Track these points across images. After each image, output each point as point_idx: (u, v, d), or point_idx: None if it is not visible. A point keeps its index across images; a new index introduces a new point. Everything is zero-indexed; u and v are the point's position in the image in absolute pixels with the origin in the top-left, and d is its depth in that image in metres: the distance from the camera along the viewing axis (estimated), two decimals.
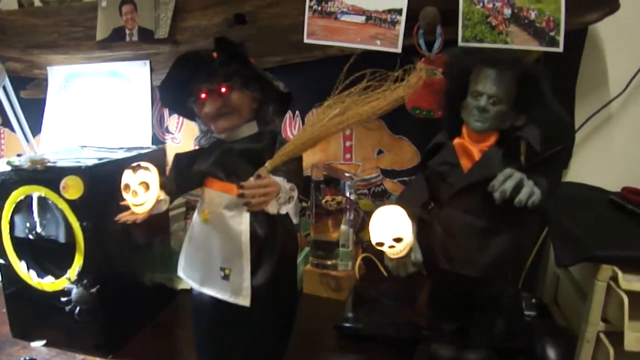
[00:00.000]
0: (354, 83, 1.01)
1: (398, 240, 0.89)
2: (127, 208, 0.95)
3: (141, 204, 0.93)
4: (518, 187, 0.84)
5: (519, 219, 0.96)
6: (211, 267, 1.00)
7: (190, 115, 1.07)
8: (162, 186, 0.97)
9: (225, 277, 0.98)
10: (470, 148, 0.98)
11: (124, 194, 0.93)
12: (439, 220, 0.99)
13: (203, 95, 0.96)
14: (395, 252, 0.91)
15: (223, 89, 0.95)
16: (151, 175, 0.93)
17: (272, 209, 0.93)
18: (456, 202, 0.98)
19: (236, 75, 0.96)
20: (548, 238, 1.40)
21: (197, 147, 1.09)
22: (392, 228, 0.90)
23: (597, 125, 1.44)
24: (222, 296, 0.98)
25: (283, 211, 0.96)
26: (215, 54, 0.95)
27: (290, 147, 0.97)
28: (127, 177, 0.93)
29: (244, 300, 0.96)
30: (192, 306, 1.07)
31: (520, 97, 0.97)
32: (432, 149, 1.05)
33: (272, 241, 0.99)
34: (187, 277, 1.05)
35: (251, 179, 0.90)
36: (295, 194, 0.96)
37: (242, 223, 0.97)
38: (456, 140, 1.01)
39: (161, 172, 0.96)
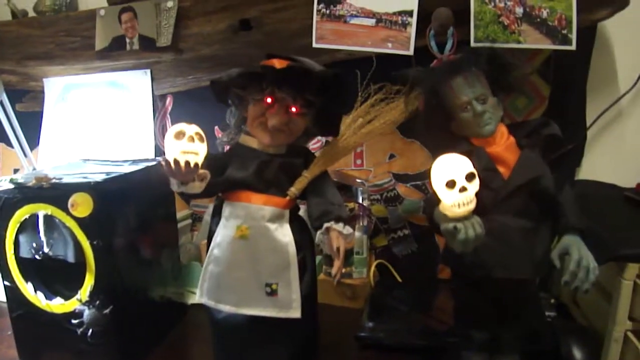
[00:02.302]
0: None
1: (471, 177, 0.83)
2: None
3: (196, 153, 0.86)
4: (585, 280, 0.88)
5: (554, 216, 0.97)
6: (252, 285, 0.96)
7: (223, 99, 1.03)
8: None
9: (272, 293, 0.95)
10: (500, 153, 0.98)
11: (174, 142, 0.85)
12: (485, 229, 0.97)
13: (269, 100, 0.93)
14: (466, 198, 0.84)
15: (294, 109, 0.93)
16: (202, 132, 0.89)
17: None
18: (503, 207, 0.96)
19: (312, 107, 0.96)
20: None
21: (224, 154, 1.05)
22: (463, 164, 0.85)
23: (608, 121, 1.43)
24: (268, 313, 0.95)
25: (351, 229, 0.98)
26: (330, 77, 0.93)
27: (322, 160, 1.00)
28: (181, 125, 0.87)
29: (295, 313, 0.95)
30: (219, 330, 1.04)
31: (493, 81, 1.00)
32: None
33: (309, 248, 1.00)
34: (216, 301, 0.99)
35: (335, 263, 0.94)
36: (344, 212, 0.98)
37: (286, 235, 0.96)
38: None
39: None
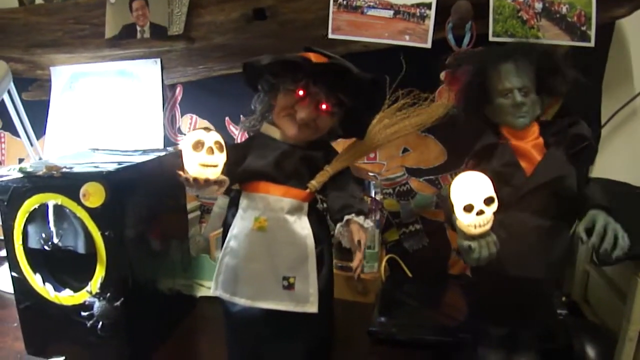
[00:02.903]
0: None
1: (490, 201, 0.83)
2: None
3: (214, 165, 0.84)
4: (615, 241, 0.85)
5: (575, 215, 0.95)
6: (270, 278, 0.95)
7: (254, 85, 1.01)
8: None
9: (289, 286, 0.94)
10: (526, 149, 0.97)
11: (193, 153, 0.83)
12: (502, 224, 0.95)
13: (301, 93, 0.91)
14: (482, 220, 0.84)
15: (324, 106, 0.92)
16: (222, 140, 0.86)
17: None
18: (522, 204, 0.96)
19: (343, 107, 0.95)
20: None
21: (244, 144, 1.03)
22: (483, 187, 0.84)
23: (623, 119, 1.41)
24: (284, 307, 0.94)
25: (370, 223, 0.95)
26: (354, 79, 0.91)
27: (345, 155, 0.99)
28: (200, 134, 0.84)
29: (312, 307, 0.93)
30: (233, 323, 1.02)
31: (541, 80, 0.98)
32: (481, 150, 1.02)
33: (328, 241, 0.99)
34: (231, 294, 0.97)
35: (357, 256, 0.92)
36: (365, 207, 0.96)
37: (304, 228, 0.95)
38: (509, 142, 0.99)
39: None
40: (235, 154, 0.95)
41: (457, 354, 1.12)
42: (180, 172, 0.83)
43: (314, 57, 0.90)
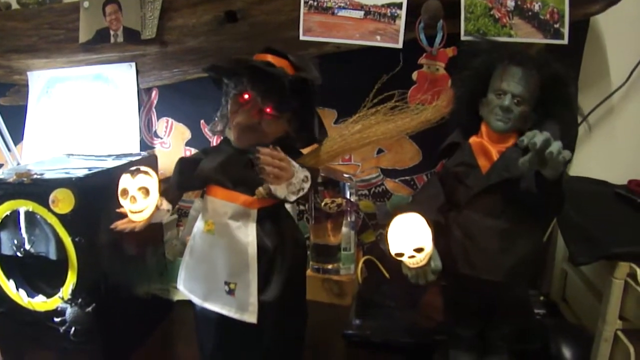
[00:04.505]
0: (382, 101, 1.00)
1: (419, 250, 0.84)
2: (123, 216, 0.91)
3: (140, 211, 0.89)
4: (547, 142, 0.76)
5: (540, 219, 0.94)
6: (215, 281, 0.94)
7: (219, 86, 0.98)
8: (164, 193, 0.93)
9: (230, 292, 0.93)
10: (489, 148, 0.95)
11: (121, 200, 0.88)
12: (458, 224, 0.95)
13: (246, 97, 0.88)
14: (415, 262, 0.86)
15: (268, 110, 0.88)
16: (151, 180, 0.89)
17: (280, 192, 0.87)
18: (475, 204, 0.94)
19: (290, 109, 0.90)
20: (553, 233, 1.39)
21: (202, 150, 1.02)
22: (412, 238, 0.85)
23: (600, 117, 1.42)
24: (226, 312, 0.93)
25: (291, 199, 0.90)
26: (288, 81, 0.87)
27: (306, 159, 0.95)
28: (125, 181, 0.88)
29: (250, 317, 0.91)
30: (196, 322, 1.02)
31: (544, 99, 0.94)
32: (447, 148, 1.01)
33: (282, 253, 0.94)
34: (189, 291, 0.99)
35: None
36: (306, 186, 0.90)
37: (249, 235, 0.91)
38: (473, 139, 0.98)
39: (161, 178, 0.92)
40: (187, 165, 0.96)
41: (432, 356, 1.11)
42: (112, 226, 0.92)
43: (271, 58, 0.89)
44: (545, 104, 0.95)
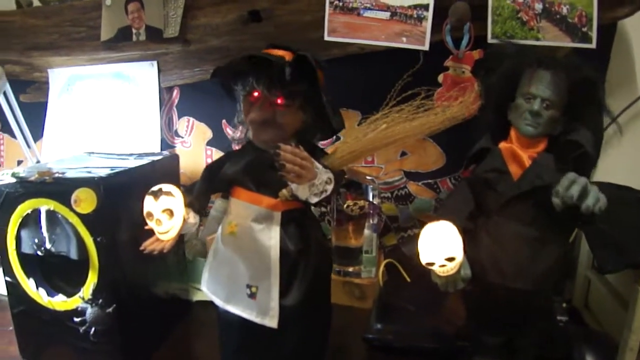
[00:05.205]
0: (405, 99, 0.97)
1: (450, 259, 0.83)
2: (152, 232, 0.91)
3: (166, 232, 0.89)
4: (584, 193, 0.78)
5: (569, 227, 0.92)
6: (237, 283, 0.93)
7: (232, 97, 0.97)
8: (190, 205, 0.92)
9: (252, 296, 0.92)
10: (519, 153, 0.93)
11: (148, 222, 0.89)
12: (487, 231, 0.94)
13: (255, 94, 0.87)
14: (445, 270, 0.85)
15: (279, 101, 0.86)
16: (174, 200, 0.88)
17: (302, 192, 0.85)
18: (506, 211, 0.93)
19: (299, 94, 0.88)
20: (577, 239, 1.37)
21: (226, 153, 1.01)
22: (443, 247, 0.84)
23: (626, 122, 1.38)
24: (247, 315, 0.92)
25: (313, 201, 0.87)
26: (288, 65, 0.85)
27: (330, 160, 0.92)
28: (149, 204, 0.88)
29: (271, 322, 0.90)
30: (218, 324, 1.01)
31: (573, 103, 0.93)
32: (476, 153, 1.00)
33: (305, 257, 0.92)
34: (212, 293, 0.98)
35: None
36: (330, 188, 0.87)
37: (271, 238, 0.90)
38: (503, 145, 0.97)
39: (183, 189, 0.92)
40: (213, 171, 0.97)
41: None
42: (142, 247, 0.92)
43: (271, 51, 0.88)
44: (575, 107, 0.94)
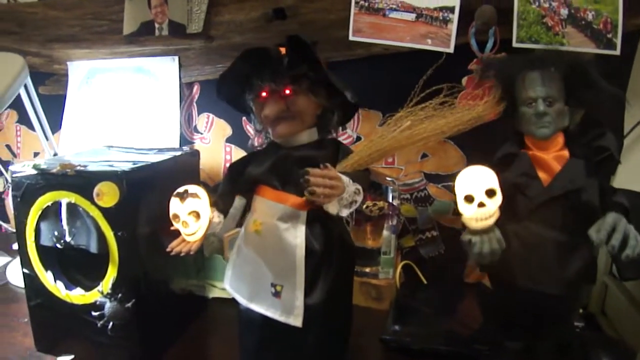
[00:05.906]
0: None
1: (491, 193, 0.83)
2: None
3: (193, 234, 0.89)
4: (624, 242, 0.80)
5: None
6: (261, 282, 0.93)
7: (245, 111, 0.99)
8: (214, 204, 0.92)
9: (276, 294, 0.91)
10: (544, 158, 0.95)
11: (174, 223, 0.89)
12: (516, 235, 0.94)
13: (264, 94, 0.87)
14: (484, 214, 0.84)
15: (287, 91, 0.85)
16: (200, 202, 0.88)
17: (332, 208, 0.85)
18: (536, 215, 0.93)
19: (304, 78, 0.87)
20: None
21: (250, 153, 1.01)
22: (485, 179, 0.84)
23: None
24: (271, 314, 0.91)
25: (343, 214, 0.87)
26: (284, 52, 0.86)
27: (355, 159, 0.91)
28: (175, 206, 0.88)
29: (296, 320, 0.89)
30: (240, 322, 1.00)
31: (570, 90, 0.95)
32: (502, 158, 1.00)
33: (329, 257, 0.92)
34: (235, 290, 0.98)
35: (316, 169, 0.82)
36: (359, 198, 0.88)
37: (297, 237, 0.90)
38: (529, 152, 0.97)
39: (208, 189, 0.92)
40: (237, 170, 0.98)
41: None
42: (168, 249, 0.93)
43: (283, 51, 0.88)
44: (574, 93, 0.96)
